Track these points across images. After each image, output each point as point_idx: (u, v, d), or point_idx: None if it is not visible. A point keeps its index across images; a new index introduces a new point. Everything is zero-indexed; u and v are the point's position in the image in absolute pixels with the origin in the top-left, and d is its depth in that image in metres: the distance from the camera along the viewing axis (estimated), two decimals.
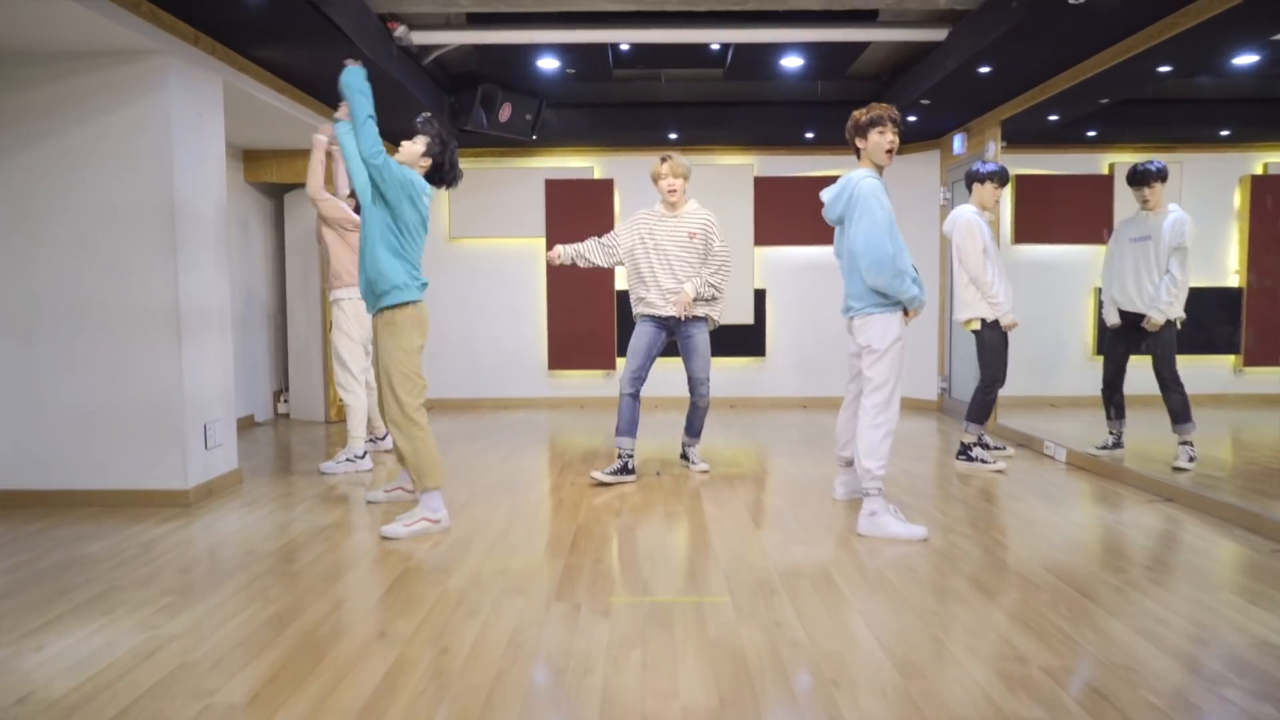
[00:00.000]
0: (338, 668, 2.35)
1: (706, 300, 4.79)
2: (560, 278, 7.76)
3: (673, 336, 4.85)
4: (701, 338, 4.81)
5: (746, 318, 7.90)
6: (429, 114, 3.93)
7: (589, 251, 4.87)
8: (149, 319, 4.15)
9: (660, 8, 4.78)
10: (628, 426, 4.74)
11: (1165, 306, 4.81)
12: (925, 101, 6.03)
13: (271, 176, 6.83)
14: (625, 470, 4.71)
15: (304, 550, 3.48)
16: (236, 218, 6.75)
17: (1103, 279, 5.29)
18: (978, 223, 5.07)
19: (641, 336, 4.78)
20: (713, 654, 2.45)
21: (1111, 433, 5.21)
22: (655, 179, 4.72)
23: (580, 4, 4.76)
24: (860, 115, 3.91)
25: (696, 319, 4.79)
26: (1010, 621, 2.68)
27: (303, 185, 6.88)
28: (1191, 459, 4.71)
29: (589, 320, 7.87)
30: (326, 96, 5.76)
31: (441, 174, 3.83)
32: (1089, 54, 4.87)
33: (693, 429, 5.05)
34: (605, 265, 4.93)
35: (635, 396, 4.76)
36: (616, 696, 2.19)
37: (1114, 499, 4.31)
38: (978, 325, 5.12)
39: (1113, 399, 5.17)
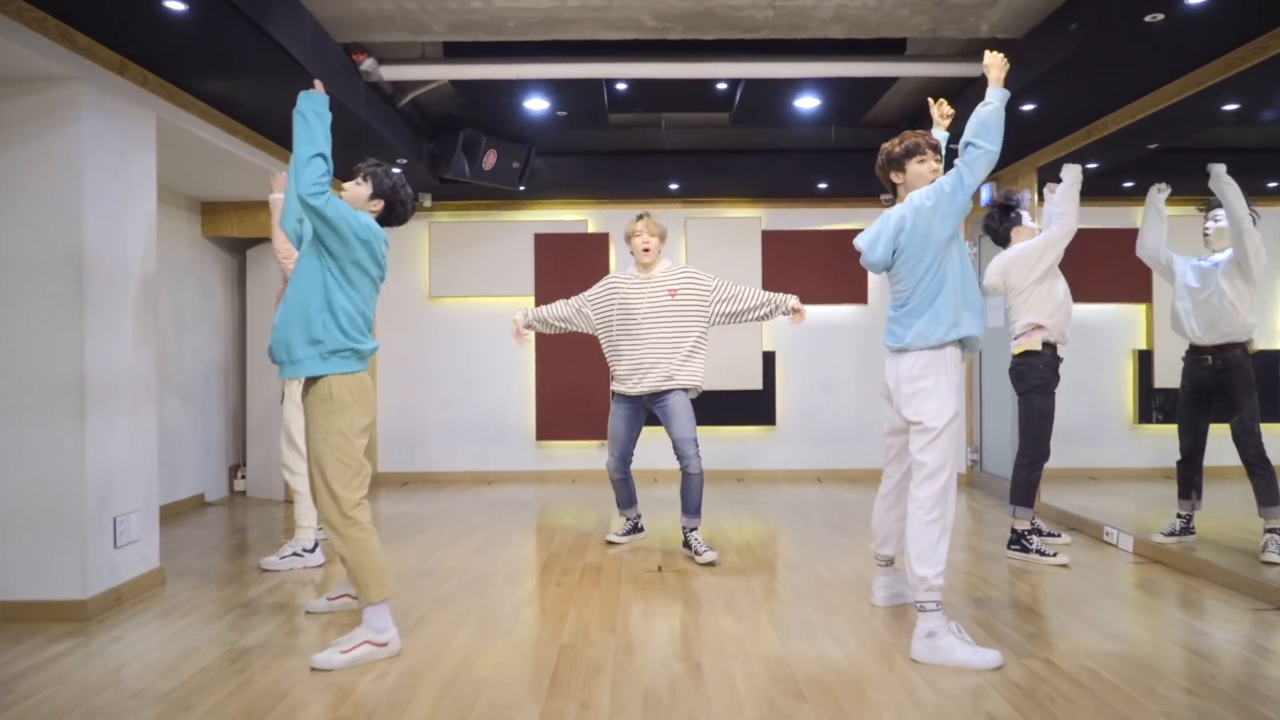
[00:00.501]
0: None
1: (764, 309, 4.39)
2: (550, 339, 7.08)
3: (648, 409, 4.53)
4: (679, 399, 4.36)
5: (755, 383, 7.22)
6: (372, 159, 3.27)
7: (554, 313, 4.62)
8: (45, 394, 3.44)
9: (661, 35, 4.20)
10: (627, 500, 4.73)
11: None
12: (954, 146, 5.42)
13: (232, 231, 6.20)
14: (635, 530, 4.83)
15: (209, 689, 2.72)
16: (193, 276, 6.10)
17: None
18: (1030, 247, 4.44)
19: (618, 419, 4.55)
20: None
21: (1180, 514, 4.51)
22: (629, 237, 4.48)
23: (570, 32, 4.17)
24: (893, 146, 3.32)
25: (672, 390, 4.39)
26: None
27: (267, 240, 6.27)
28: None
29: (582, 384, 7.18)
30: (287, 142, 5.15)
31: (394, 214, 3.18)
32: (1150, 88, 4.28)
33: (690, 506, 4.43)
34: (583, 329, 4.64)
35: (626, 479, 4.66)
36: None
37: (1211, 606, 3.57)
38: (1038, 345, 4.39)
39: (1192, 478, 4.48)
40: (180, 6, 3.14)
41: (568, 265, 7.12)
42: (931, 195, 3.11)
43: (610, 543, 4.75)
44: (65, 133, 3.45)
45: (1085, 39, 3.61)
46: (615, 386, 4.53)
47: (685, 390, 4.39)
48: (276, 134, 4.99)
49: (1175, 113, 4.39)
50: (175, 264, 5.85)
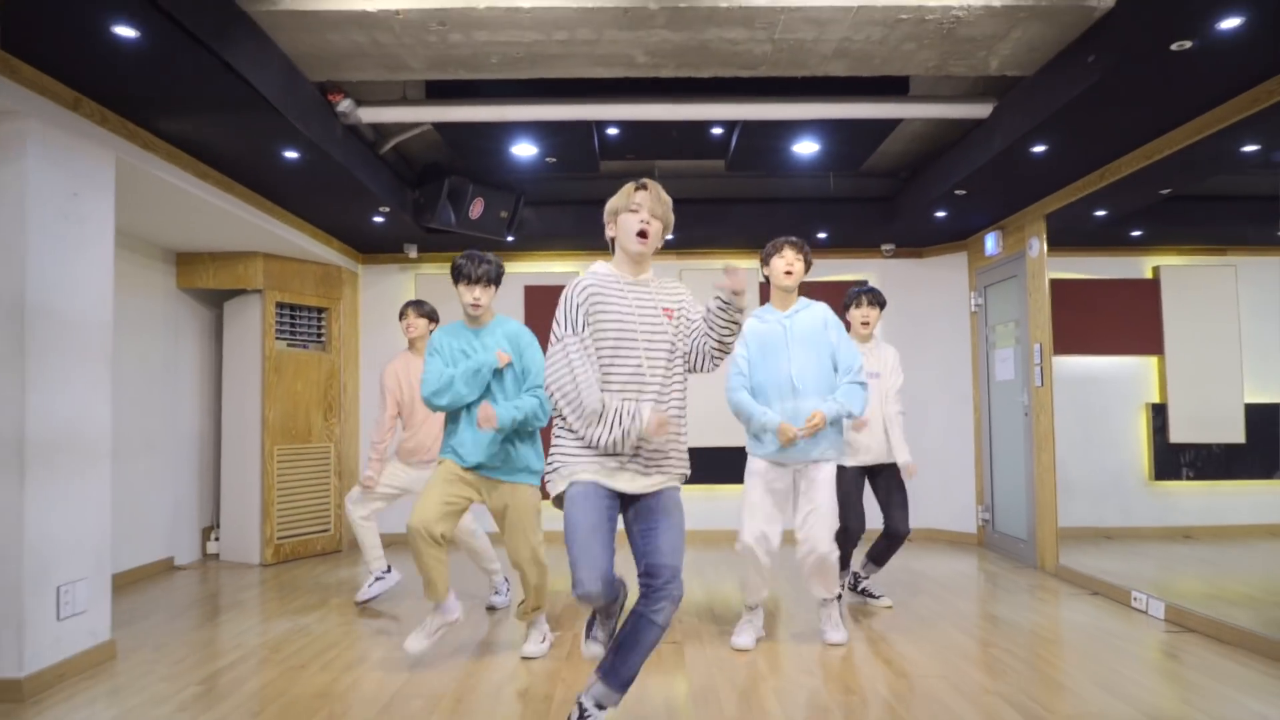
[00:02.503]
0: None
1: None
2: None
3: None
4: (677, 506, 2.65)
5: (743, 439, 6.91)
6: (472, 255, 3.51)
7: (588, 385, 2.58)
8: None
9: (654, 73, 3.99)
10: (608, 635, 2.73)
11: None
12: (960, 192, 5.22)
13: (209, 282, 5.95)
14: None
15: None
16: (166, 329, 5.82)
17: None
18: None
19: (587, 511, 2.50)
20: None
21: None
22: (616, 212, 2.76)
23: (557, 69, 3.97)
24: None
25: (669, 487, 2.67)
26: None
27: (244, 291, 6.05)
28: None
29: None
30: (262, 187, 4.93)
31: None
32: (1169, 127, 4.08)
33: (625, 668, 2.54)
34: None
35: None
36: None
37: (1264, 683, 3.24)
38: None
39: None
40: (131, 33, 2.91)
41: None
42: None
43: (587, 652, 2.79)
44: (7, 170, 3.20)
45: (1105, 71, 3.39)
46: (580, 471, 2.57)
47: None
48: (250, 180, 4.76)
49: (1193, 154, 4.18)
50: (147, 316, 5.59)
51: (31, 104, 3.22)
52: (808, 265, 3.80)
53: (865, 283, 4.53)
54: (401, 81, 4.41)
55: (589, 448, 2.55)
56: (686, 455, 2.70)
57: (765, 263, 3.88)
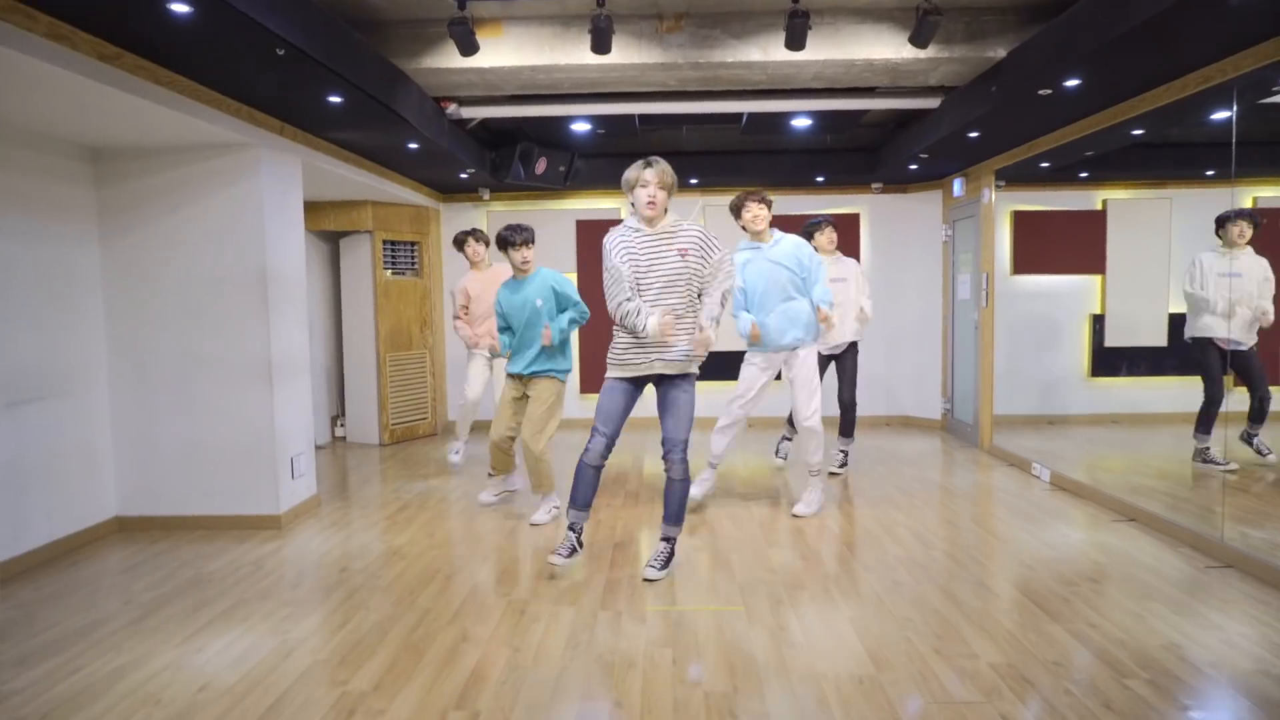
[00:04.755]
0: (437, 663, 3.03)
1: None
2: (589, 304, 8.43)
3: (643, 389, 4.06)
4: (687, 397, 3.92)
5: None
6: (513, 226, 4.84)
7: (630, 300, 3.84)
8: (245, 370, 4.87)
9: (681, 88, 5.45)
10: (586, 499, 3.99)
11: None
12: (924, 155, 6.66)
13: (329, 224, 7.56)
14: (576, 550, 4.00)
15: (386, 569, 4.16)
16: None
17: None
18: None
19: (616, 396, 3.92)
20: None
21: None
22: (632, 186, 3.80)
23: (610, 85, 5.44)
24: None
25: (686, 374, 3.93)
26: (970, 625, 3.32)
27: (358, 231, 7.64)
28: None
29: None
30: (389, 164, 6.50)
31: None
32: (1069, 121, 5.49)
33: (671, 513, 4.04)
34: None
35: (600, 470, 3.97)
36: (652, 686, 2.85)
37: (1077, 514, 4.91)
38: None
39: None
40: (338, 100, 4.46)
41: None
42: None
43: (554, 566, 3.96)
44: (250, 183, 4.81)
45: (1002, 98, 4.82)
46: (613, 371, 3.95)
47: (692, 375, 3.97)
48: (382, 160, 6.34)
49: (1096, 138, 5.57)
50: None
51: (260, 136, 4.79)
52: (769, 208, 4.98)
53: (825, 216, 6.09)
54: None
55: (625, 347, 3.88)
56: (692, 352, 3.84)
57: (737, 215, 5.01)
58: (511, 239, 4.83)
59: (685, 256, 3.82)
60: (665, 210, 3.87)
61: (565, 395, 5.28)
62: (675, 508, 4.04)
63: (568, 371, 4.97)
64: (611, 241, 3.86)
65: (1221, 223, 5.58)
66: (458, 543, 4.62)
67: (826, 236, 6.04)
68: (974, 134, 5.79)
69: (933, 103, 5.87)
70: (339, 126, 5.21)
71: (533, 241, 4.91)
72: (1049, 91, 4.58)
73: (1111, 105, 4.98)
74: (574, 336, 5.27)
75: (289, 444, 5.08)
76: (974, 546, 4.40)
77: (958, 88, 5.52)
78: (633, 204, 3.85)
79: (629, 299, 3.77)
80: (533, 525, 4.95)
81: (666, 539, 4.10)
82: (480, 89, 5.38)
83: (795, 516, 5.07)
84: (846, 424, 6.21)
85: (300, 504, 5.18)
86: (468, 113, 5.98)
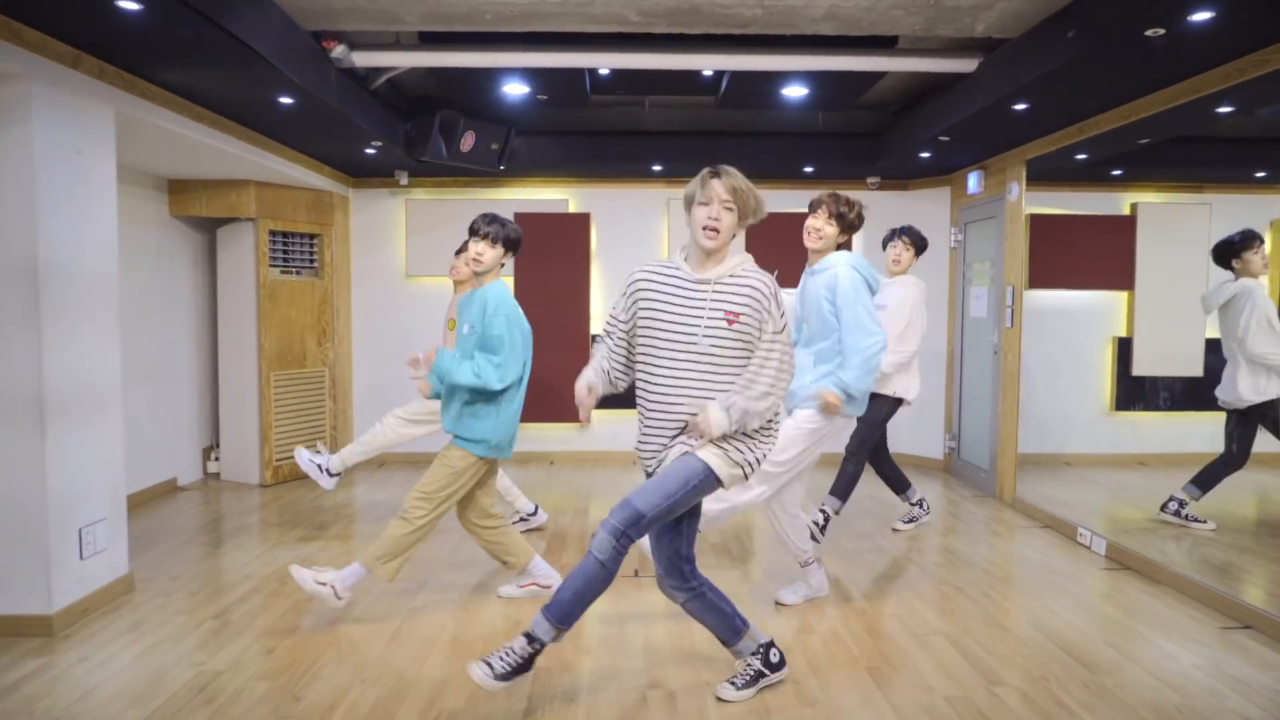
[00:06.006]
0: None
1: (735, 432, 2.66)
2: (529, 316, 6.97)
3: None
4: (683, 461, 2.66)
5: None
6: (486, 215, 3.59)
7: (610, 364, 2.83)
8: (2, 406, 3.34)
9: (646, 29, 4.04)
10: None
11: None
12: (944, 138, 5.31)
13: (201, 210, 6.01)
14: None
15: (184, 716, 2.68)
16: (160, 256, 5.91)
17: None
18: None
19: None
20: None
21: None
22: (689, 204, 2.67)
23: (550, 25, 4.01)
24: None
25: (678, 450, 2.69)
26: None
27: (237, 219, 6.12)
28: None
29: (562, 365, 7.09)
30: (257, 126, 4.98)
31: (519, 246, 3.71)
32: (1146, 92, 4.18)
33: (556, 603, 2.63)
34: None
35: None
36: None
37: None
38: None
39: None
40: (134, 6, 2.96)
41: (549, 244, 6.99)
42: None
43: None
44: (13, 135, 3.28)
45: (1083, 48, 3.49)
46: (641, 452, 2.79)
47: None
48: (246, 120, 4.80)
49: (1171, 116, 4.29)
50: (140, 245, 5.66)
51: (33, 65, 3.27)
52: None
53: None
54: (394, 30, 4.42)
55: (641, 428, 2.74)
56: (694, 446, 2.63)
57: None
58: (472, 226, 3.58)
59: (733, 324, 2.59)
60: (728, 245, 2.64)
61: (488, 480, 3.71)
62: (565, 595, 2.59)
63: (486, 445, 3.53)
64: (632, 279, 2.74)
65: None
66: (310, 662, 3.14)
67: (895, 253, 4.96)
68: (1021, 105, 4.45)
69: (969, 65, 4.53)
70: (161, 59, 3.69)
71: (495, 238, 3.55)
72: (1161, 32, 3.23)
73: (1254, 51, 3.62)
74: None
75: (76, 511, 3.55)
76: (1057, 677, 3.02)
77: (1008, 41, 4.19)
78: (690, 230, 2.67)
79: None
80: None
81: (530, 639, 2.60)
82: (373, 18, 3.91)
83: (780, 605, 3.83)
84: (840, 478, 4.81)
85: (93, 594, 3.64)
86: (362, 60, 4.50)
